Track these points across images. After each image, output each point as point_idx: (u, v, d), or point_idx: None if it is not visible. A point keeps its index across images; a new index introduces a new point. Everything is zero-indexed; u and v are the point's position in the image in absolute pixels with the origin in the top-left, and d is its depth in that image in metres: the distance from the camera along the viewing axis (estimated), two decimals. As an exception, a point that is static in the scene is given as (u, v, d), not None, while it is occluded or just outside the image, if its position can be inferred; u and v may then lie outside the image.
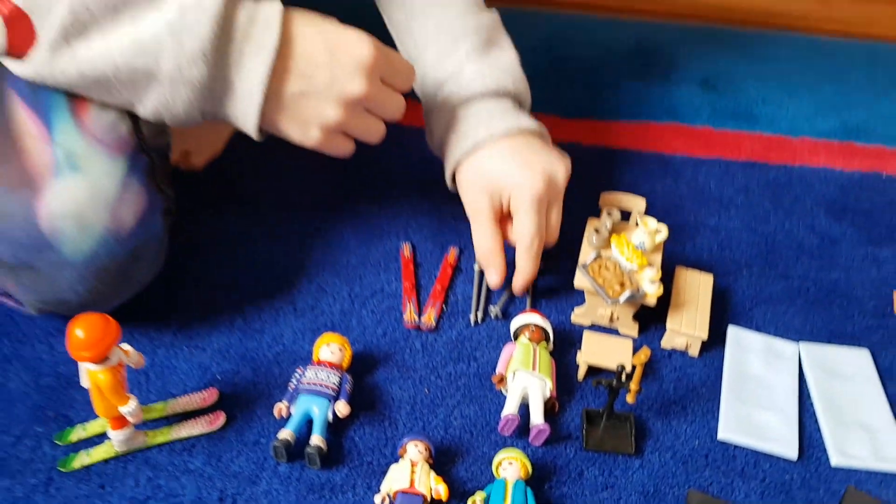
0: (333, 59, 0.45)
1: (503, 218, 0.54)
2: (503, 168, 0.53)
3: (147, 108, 0.44)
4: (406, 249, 0.59)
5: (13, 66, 0.43)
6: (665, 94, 0.79)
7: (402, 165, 0.65)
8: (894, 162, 0.73)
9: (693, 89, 0.80)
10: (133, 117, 0.46)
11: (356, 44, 0.46)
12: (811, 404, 0.51)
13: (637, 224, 0.56)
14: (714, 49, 0.87)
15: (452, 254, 0.59)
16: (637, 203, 0.57)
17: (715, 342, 0.54)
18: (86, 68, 0.42)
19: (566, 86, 0.79)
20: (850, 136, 0.75)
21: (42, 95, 0.44)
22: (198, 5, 0.42)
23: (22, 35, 0.41)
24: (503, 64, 0.55)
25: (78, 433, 0.45)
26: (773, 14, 0.93)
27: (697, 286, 0.56)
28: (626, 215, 0.58)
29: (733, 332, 0.55)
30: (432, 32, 0.55)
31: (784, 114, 0.78)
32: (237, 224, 0.60)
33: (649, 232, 0.54)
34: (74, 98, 0.44)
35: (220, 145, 0.66)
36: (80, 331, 0.40)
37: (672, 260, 0.59)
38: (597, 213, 0.57)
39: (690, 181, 0.69)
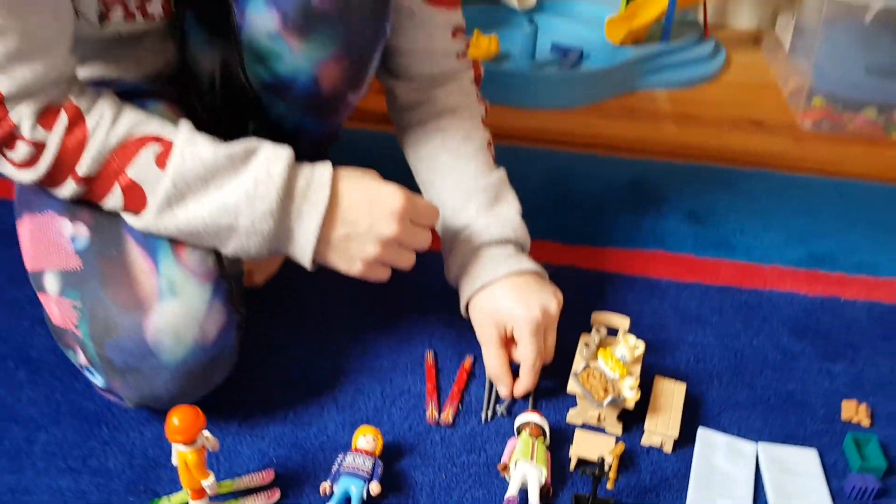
0: (372, 208, 0.58)
1: (508, 342, 0.67)
2: (506, 304, 0.66)
3: (228, 250, 0.57)
4: (429, 357, 0.71)
5: (129, 219, 0.57)
6: (655, 225, 0.92)
7: (427, 285, 0.78)
8: (853, 288, 0.84)
9: (680, 220, 0.93)
10: (217, 253, 0.59)
11: (390, 196, 0.59)
12: (765, 495, 0.61)
13: (620, 340, 0.67)
14: (700, 185, 0.99)
15: (468, 361, 0.71)
16: (622, 322, 0.69)
17: (686, 441, 0.64)
18: (182, 225, 0.56)
19: (568, 215, 0.92)
20: (815, 264, 0.87)
21: (150, 239, 0.58)
22: (268, 177, 0.56)
23: (136, 201, 0.55)
24: (506, 217, 0.69)
25: (164, 503, 0.57)
26: (754, 154, 1.06)
27: (672, 393, 0.67)
28: (613, 331, 0.69)
29: (702, 433, 0.65)
30: (450, 190, 0.69)
31: (758, 243, 0.89)
32: (289, 332, 0.73)
33: (629, 347, 0.66)
34: (175, 240, 0.58)
35: (276, 266, 0.79)
36: (176, 419, 0.52)
37: (653, 370, 0.70)
38: (589, 329, 0.69)
39: (673, 302, 0.80)
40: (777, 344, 0.76)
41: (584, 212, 0.93)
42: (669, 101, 1.17)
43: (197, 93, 0.68)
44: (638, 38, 1.23)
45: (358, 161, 0.63)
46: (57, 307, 0.58)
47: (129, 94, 0.60)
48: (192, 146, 0.55)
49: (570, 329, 0.68)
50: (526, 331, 0.64)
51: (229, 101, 0.67)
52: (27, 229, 0.61)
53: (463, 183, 0.69)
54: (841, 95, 1.11)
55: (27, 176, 0.55)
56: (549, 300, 0.66)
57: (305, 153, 0.60)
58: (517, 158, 0.94)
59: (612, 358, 0.64)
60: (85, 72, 0.63)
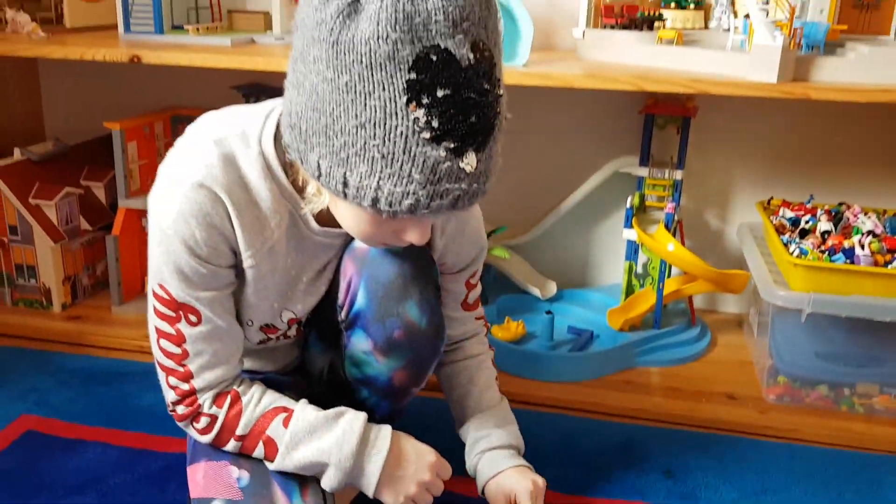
0: (417, 460, 0.88)
1: None
2: (510, 483, 0.96)
3: (324, 480, 0.87)
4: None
5: (268, 463, 0.88)
6: (637, 479, 1.17)
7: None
8: (791, 534, 1.06)
9: (657, 476, 1.18)
10: (325, 492, 0.88)
11: (428, 453, 0.90)
12: None
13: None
14: (678, 447, 1.25)
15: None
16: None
17: None
18: (297, 464, 0.87)
19: (570, 469, 1.18)
20: (763, 514, 1.10)
21: (287, 482, 0.88)
22: (351, 430, 0.87)
23: (271, 450, 0.87)
24: (510, 432, 1.03)
25: None
26: (725, 422, 1.32)
27: None
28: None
29: None
30: (472, 409, 1.03)
31: (718, 496, 1.14)
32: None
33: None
34: (302, 484, 0.87)
35: (349, 499, 1.07)
36: None
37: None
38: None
39: (644, 541, 1.04)
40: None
41: (583, 467, 1.19)
42: (660, 377, 1.46)
43: (310, 381, 1.04)
44: (635, 325, 1.55)
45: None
46: None
47: (269, 381, 0.94)
48: (303, 413, 0.87)
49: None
50: (525, 494, 0.95)
51: (332, 387, 1.01)
52: (202, 469, 0.91)
53: (483, 405, 1.03)
54: (798, 375, 1.38)
55: (206, 438, 0.87)
56: (538, 478, 0.97)
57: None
58: (533, 421, 1.22)
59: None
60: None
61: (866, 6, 1.31)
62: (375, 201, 0.68)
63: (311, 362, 1.05)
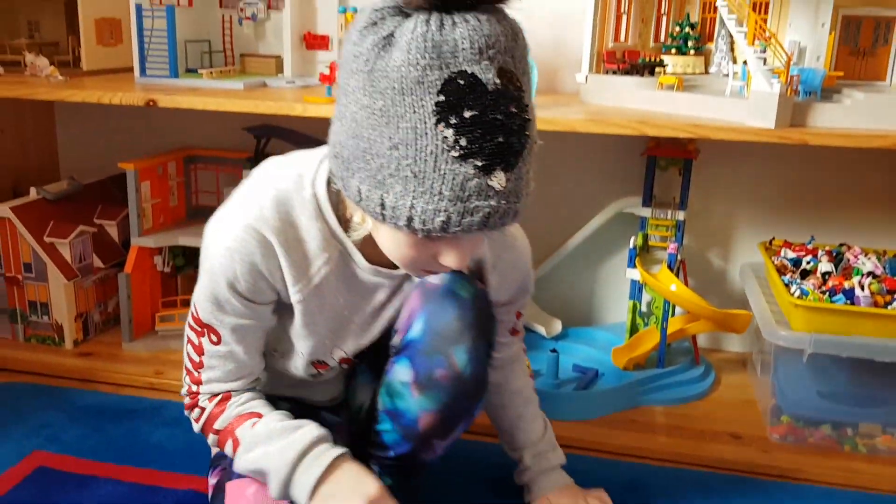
0: (355, 486, 0.87)
1: None
2: (558, 498, 1.10)
3: (269, 489, 0.89)
4: None
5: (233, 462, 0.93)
6: (642, 518, 1.18)
7: None
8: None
9: (662, 515, 1.19)
10: None
11: (370, 485, 0.87)
12: None
13: None
14: (682, 486, 1.26)
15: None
16: None
17: None
18: (247, 466, 0.91)
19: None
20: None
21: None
22: (298, 440, 0.89)
23: (235, 449, 0.92)
24: (558, 455, 1.13)
25: None
26: (730, 461, 1.33)
27: None
28: None
29: None
30: (527, 433, 1.14)
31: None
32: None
33: None
34: None
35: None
36: None
37: None
38: None
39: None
40: None
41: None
42: (664, 416, 1.47)
43: (349, 412, 1.09)
44: (639, 363, 1.56)
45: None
46: None
47: (312, 408, 1.01)
48: (270, 419, 0.91)
49: None
50: None
51: (369, 420, 1.04)
52: (254, 486, 0.95)
53: (535, 433, 1.14)
54: (801, 415, 1.39)
55: (196, 427, 0.96)
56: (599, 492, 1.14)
57: (395, 476, 0.97)
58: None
59: None
60: (289, 392, 1.03)
61: (862, 52, 1.35)
62: (410, 220, 0.72)
63: (354, 393, 1.09)
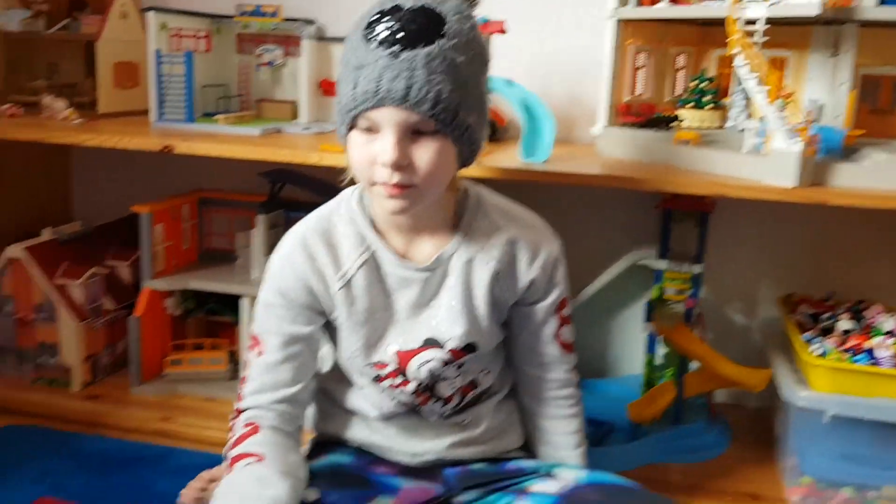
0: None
1: None
2: None
3: None
4: None
5: None
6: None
7: None
8: None
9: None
10: None
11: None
12: None
13: None
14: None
15: None
16: None
17: None
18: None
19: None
20: None
21: None
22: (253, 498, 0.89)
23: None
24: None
25: None
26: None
27: None
28: None
29: None
30: (552, 450, 1.15)
31: None
32: None
33: None
34: None
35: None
36: None
37: None
38: None
39: None
40: None
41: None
42: (681, 474, 1.44)
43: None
44: (656, 418, 1.54)
45: None
46: None
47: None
48: (263, 465, 0.92)
49: None
50: None
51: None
52: None
53: (566, 444, 1.16)
54: (822, 476, 1.36)
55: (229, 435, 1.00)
56: None
57: None
58: None
59: None
60: (376, 438, 1.05)
61: (882, 111, 1.34)
62: (350, 111, 0.88)
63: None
